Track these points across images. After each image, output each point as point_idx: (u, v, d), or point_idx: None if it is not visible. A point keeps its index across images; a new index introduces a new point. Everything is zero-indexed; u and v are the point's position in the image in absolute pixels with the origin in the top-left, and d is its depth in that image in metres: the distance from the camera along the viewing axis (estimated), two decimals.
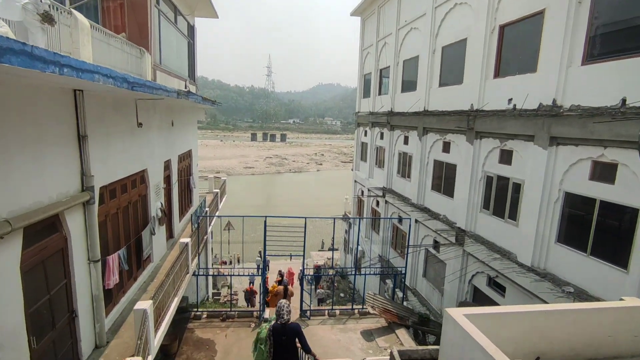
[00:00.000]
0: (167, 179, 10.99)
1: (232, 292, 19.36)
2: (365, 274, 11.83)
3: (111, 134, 6.60)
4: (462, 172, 11.65)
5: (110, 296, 6.75)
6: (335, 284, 20.80)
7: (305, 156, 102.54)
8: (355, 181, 22.96)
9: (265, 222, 10.11)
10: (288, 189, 59.68)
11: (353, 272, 12.23)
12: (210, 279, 18.48)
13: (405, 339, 9.48)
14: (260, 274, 10.72)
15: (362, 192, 21.58)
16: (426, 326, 10.65)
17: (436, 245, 13.40)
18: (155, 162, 9.36)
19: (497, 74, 10.21)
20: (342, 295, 19.56)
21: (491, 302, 10.18)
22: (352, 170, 24.65)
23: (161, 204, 9.60)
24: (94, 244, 5.74)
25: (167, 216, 10.83)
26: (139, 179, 8.38)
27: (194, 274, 10.24)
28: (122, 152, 7.15)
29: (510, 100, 9.47)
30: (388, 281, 16.17)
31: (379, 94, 19.38)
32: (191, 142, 14.11)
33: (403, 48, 16.34)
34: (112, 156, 6.67)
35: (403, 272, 11.62)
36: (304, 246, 10.26)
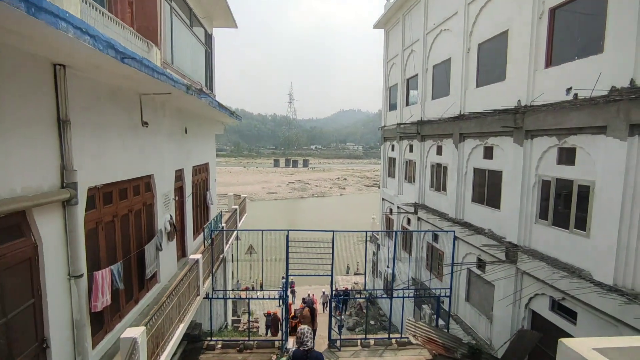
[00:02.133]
0: (180, 191, 10.06)
1: (252, 319, 17.96)
2: (402, 297, 10.25)
3: (106, 126, 5.69)
4: (509, 179, 10.16)
5: (101, 321, 5.63)
6: (364, 310, 19.05)
7: (328, 180, 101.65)
8: (382, 199, 21.54)
9: (287, 236, 8.90)
10: (311, 213, 58.39)
11: (386, 296, 10.69)
12: (229, 304, 17.20)
13: None
14: (282, 297, 9.40)
15: (391, 210, 20.11)
16: (477, 359, 8.94)
17: (481, 264, 11.75)
18: (165, 169, 8.44)
19: (549, 62, 8.89)
20: (372, 322, 17.78)
21: (558, 331, 8.43)
22: (379, 187, 23.27)
23: (171, 216, 8.60)
24: (76, 256, 4.68)
25: (178, 232, 9.81)
26: (144, 185, 7.43)
27: (207, 297, 9.05)
28: (121, 150, 6.23)
29: (569, 89, 8.10)
30: (425, 307, 14.42)
31: (407, 104, 18.27)
32: (208, 155, 13.29)
33: (432, 53, 15.29)
34: (108, 153, 5.74)
35: (447, 294, 10.01)
36: (332, 264, 8.93)
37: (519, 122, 9.65)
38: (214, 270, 9.34)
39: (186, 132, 10.23)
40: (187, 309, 6.98)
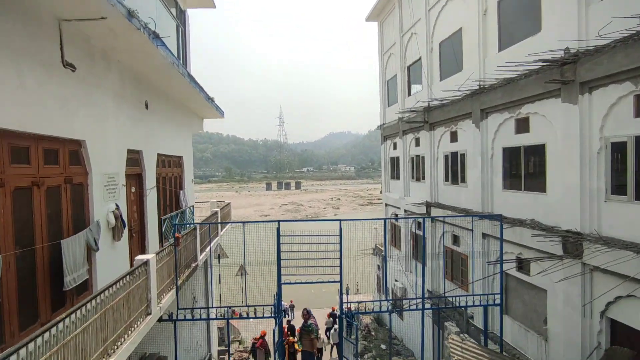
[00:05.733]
0: (137, 180, 7.71)
1: (242, 348, 15.18)
2: (424, 308, 7.81)
3: None
4: (560, 151, 8.02)
5: None
6: (373, 333, 16.37)
7: (322, 201, 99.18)
8: (386, 204, 19.25)
9: (278, 228, 6.57)
10: (304, 239, 55.62)
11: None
12: (214, 331, 14.44)
13: None
14: (275, 316, 6.89)
15: (397, 215, 17.79)
16: None
17: (521, 264, 9.42)
18: (107, 141, 6.15)
19: None
20: (383, 347, 15.09)
21: None
22: (380, 192, 21.06)
23: (118, 207, 6.20)
24: None
25: (135, 233, 7.38)
26: (68, 153, 5.13)
27: (169, 319, 6.53)
28: (19, 90, 3.97)
29: None
30: (448, 324, 11.88)
31: (409, 94, 16.35)
32: (182, 148, 11.01)
33: (437, 29, 13.49)
34: None
35: (496, 301, 7.62)
36: (341, 265, 6.55)
37: (568, 74, 7.60)
38: (179, 282, 6.85)
39: (147, 107, 7.97)
40: (122, 335, 4.49)
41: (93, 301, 3.80)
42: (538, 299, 8.89)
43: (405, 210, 16.34)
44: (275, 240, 6.98)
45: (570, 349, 7.72)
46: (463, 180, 12.10)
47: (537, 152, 8.83)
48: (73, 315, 3.44)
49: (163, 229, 7.72)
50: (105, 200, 5.98)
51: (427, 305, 9.67)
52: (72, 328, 3.40)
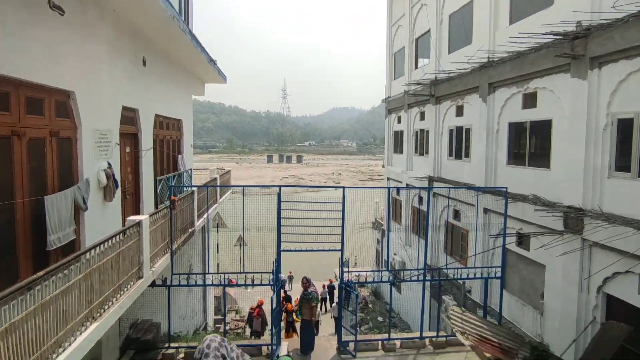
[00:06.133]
0: (133, 140, 7.53)
1: (239, 318, 15.44)
2: (439, 280, 7.79)
3: None
4: (566, 127, 7.81)
5: None
6: (370, 306, 16.61)
7: (323, 175, 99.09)
8: (387, 178, 19.09)
9: (279, 193, 6.46)
10: (304, 214, 55.89)
11: (419, 278, 8.20)
12: (211, 300, 14.63)
13: None
14: (272, 284, 6.86)
15: (398, 190, 17.65)
16: None
17: (521, 240, 9.35)
18: (100, 95, 5.93)
19: None
20: (380, 319, 15.34)
21: None
22: (382, 167, 20.88)
23: (110, 166, 6.04)
24: None
25: (130, 195, 7.27)
26: (54, 104, 4.91)
27: (163, 284, 6.50)
28: None
29: None
30: (446, 298, 11.95)
31: (416, 67, 15.84)
32: (181, 111, 10.76)
33: (448, 0, 12.89)
34: None
35: (497, 275, 7.58)
36: (342, 234, 6.46)
37: (579, 49, 7.27)
38: (174, 246, 6.79)
39: (144, 64, 7.67)
40: (110, 298, 4.41)
41: (78, 261, 3.68)
42: (536, 274, 8.88)
43: (407, 185, 16.18)
44: (276, 209, 6.85)
45: (565, 323, 7.76)
46: (467, 155, 11.89)
47: (543, 128, 8.59)
48: (56, 276, 3.31)
49: (158, 190, 7.59)
50: (97, 158, 5.81)
51: (428, 278, 9.69)
52: (52, 288, 3.27)
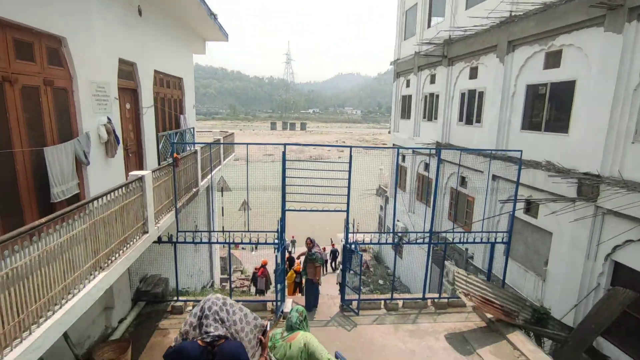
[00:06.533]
0: (132, 96, 7.23)
1: (244, 277, 15.70)
2: (445, 243, 7.71)
3: None
4: (590, 88, 7.38)
5: None
6: (371, 269, 16.82)
7: (327, 142, 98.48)
8: (393, 145, 18.75)
9: (284, 151, 6.24)
10: (309, 173, 55.87)
11: (425, 241, 8.09)
12: (217, 260, 14.83)
13: (530, 352, 5.42)
14: (277, 243, 6.77)
15: (404, 157, 17.38)
16: (542, 326, 6.53)
17: (529, 207, 9.20)
18: (94, 45, 5.56)
19: None
20: (380, 282, 15.57)
21: None
22: (389, 132, 20.51)
23: (110, 120, 5.79)
24: None
25: (132, 154, 7.08)
26: (45, 50, 4.57)
27: (169, 241, 6.45)
28: None
29: None
30: (448, 264, 12.00)
31: (428, 26, 15.05)
32: (182, 69, 10.32)
33: None
34: None
35: (504, 240, 7.49)
36: (348, 194, 6.29)
37: None
38: (179, 203, 6.66)
39: (140, 13, 7.22)
40: (117, 250, 4.34)
41: (82, 211, 3.55)
42: (542, 242, 8.78)
43: (413, 151, 15.88)
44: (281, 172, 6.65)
45: (567, 289, 7.74)
46: (478, 120, 11.51)
47: (565, 90, 8.15)
48: (61, 224, 3.20)
49: (160, 147, 7.38)
50: (95, 111, 5.56)
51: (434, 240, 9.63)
52: (57, 236, 3.19)
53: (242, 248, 25.83)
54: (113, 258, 4.28)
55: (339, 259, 19.37)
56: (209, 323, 2.32)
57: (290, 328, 3.24)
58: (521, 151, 7.34)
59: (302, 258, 8.19)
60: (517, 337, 5.87)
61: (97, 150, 5.59)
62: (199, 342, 2.25)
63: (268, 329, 2.77)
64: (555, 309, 7.79)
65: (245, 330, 2.60)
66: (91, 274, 3.81)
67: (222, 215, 16.24)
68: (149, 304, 6.97)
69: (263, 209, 10.90)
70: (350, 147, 6.63)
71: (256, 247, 24.61)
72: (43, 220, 2.99)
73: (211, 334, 2.28)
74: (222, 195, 15.89)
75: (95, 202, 3.87)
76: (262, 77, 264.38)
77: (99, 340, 5.65)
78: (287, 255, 13.21)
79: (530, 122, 9.35)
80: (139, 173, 5.02)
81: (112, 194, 4.19)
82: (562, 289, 7.96)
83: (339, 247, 20.10)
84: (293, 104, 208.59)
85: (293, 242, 21.53)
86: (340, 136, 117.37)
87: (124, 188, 4.50)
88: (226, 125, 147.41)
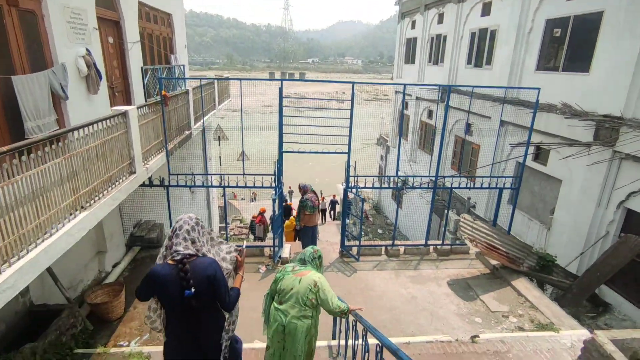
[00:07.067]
0: (115, 28, 6.54)
1: (242, 225, 15.71)
2: (450, 188, 7.37)
3: None
4: (620, 19, 6.68)
5: None
6: (371, 219, 16.83)
7: (326, 94, 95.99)
8: (396, 92, 17.98)
9: (280, 88, 5.73)
10: (309, 122, 55.04)
11: (430, 186, 7.79)
12: (215, 209, 14.71)
13: (535, 298, 5.31)
14: (274, 186, 6.46)
15: (407, 104, 16.69)
16: (547, 273, 6.43)
17: (538, 154, 8.83)
18: None
19: None
20: (380, 231, 15.61)
21: None
22: (391, 78, 19.63)
23: (89, 52, 5.20)
24: None
25: (119, 92, 6.54)
26: None
27: (161, 185, 6.12)
28: None
29: None
30: (451, 214, 11.86)
31: None
32: (171, 4, 9.41)
33: None
34: None
35: (514, 185, 7.20)
36: (350, 133, 5.89)
37: None
38: (169, 146, 6.25)
39: None
40: (100, 190, 4.00)
41: (53, 144, 3.16)
42: (549, 189, 8.51)
43: (417, 97, 15.20)
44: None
45: (573, 238, 7.58)
46: (488, 62, 10.79)
47: (589, 23, 7.42)
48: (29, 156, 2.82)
49: (145, 82, 6.81)
50: (72, 41, 4.96)
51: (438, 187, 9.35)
52: (24, 168, 2.82)
53: (242, 198, 25.87)
54: (97, 198, 3.95)
55: (338, 209, 19.38)
56: (178, 242, 2.26)
57: (303, 262, 3.17)
58: (539, 89, 6.80)
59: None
60: (522, 284, 5.76)
61: (77, 85, 5.07)
62: (169, 261, 2.22)
63: (244, 247, 2.73)
64: (559, 257, 7.67)
65: (220, 254, 2.50)
66: (71, 214, 3.50)
67: (220, 165, 15.94)
68: (144, 249, 6.81)
69: (261, 156, 10.53)
70: (353, 82, 6.12)
71: (255, 199, 24.66)
72: (4, 148, 2.60)
73: (180, 252, 2.21)
74: (219, 145, 15.46)
75: (70, 135, 3.46)
76: (259, 25, 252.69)
77: (93, 284, 5.52)
78: (284, 204, 13.06)
79: (547, 62, 8.70)
80: (123, 108, 4.55)
81: (91, 127, 3.76)
82: (567, 237, 7.79)
83: (339, 198, 20.04)
84: (292, 53, 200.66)
85: (290, 192, 21.49)
86: (340, 87, 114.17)
87: (105, 122, 4.06)
88: (223, 75, 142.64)
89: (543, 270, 6.38)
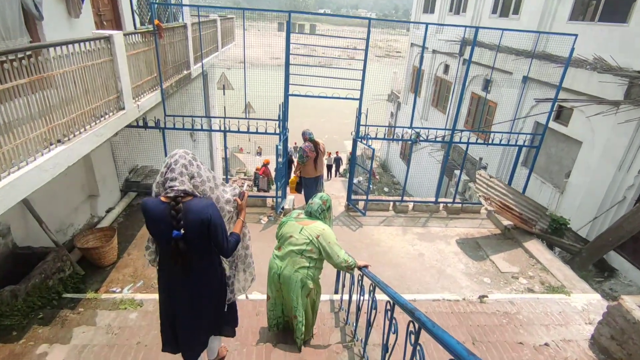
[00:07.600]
0: None
1: (246, 177, 15.46)
2: (467, 143, 6.87)
3: None
4: None
5: None
6: (377, 177, 16.52)
7: (336, 49, 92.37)
8: (412, 44, 16.93)
9: (288, 22, 5.18)
10: (318, 80, 53.29)
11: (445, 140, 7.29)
12: (218, 160, 14.41)
13: (547, 260, 5.05)
14: (279, 133, 6.06)
15: (421, 59, 15.69)
16: (559, 236, 6.14)
17: (559, 114, 8.26)
18: None
19: None
20: (386, 190, 15.34)
21: None
22: (407, 30, 18.48)
23: None
24: None
25: (103, 19, 5.95)
26: None
27: (156, 127, 5.72)
28: None
29: None
30: (458, 173, 11.48)
31: None
32: None
33: None
34: None
35: (534, 143, 6.73)
36: (363, 75, 5.39)
37: None
38: (165, 84, 5.78)
39: None
40: (81, 124, 3.62)
41: (17, 62, 2.72)
42: (567, 151, 8.05)
43: (433, 50, 14.27)
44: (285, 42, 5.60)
45: (587, 202, 7.23)
46: (516, 11, 9.90)
47: None
48: None
49: (132, 7, 6.18)
50: None
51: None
52: None
53: (247, 152, 25.49)
54: (77, 132, 3.59)
55: (343, 167, 19.02)
56: (174, 177, 1.91)
57: (310, 215, 2.88)
58: (576, 35, 6.09)
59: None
60: (534, 246, 5.50)
61: (55, 5, 4.54)
62: (162, 198, 1.93)
63: (245, 189, 2.41)
64: (571, 222, 7.39)
65: (217, 194, 2.15)
66: (46, 148, 3.15)
67: (225, 113, 15.41)
68: (140, 195, 6.58)
69: (268, 108, 10.04)
70: (370, 19, 5.51)
71: (260, 153, 24.26)
72: None
73: (175, 187, 1.89)
74: (223, 94, 14.84)
75: (45, 52, 3.02)
76: None
77: (84, 229, 5.32)
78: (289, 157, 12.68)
79: (583, 11, 7.88)
80: (106, 32, 4.06)
81: (64, 47, 3.31)
82: (581, 201, 7.44)
83: (343, 155, 19.59)
84: (302, 2, 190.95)
85: (296, 148, 21.09)
86: (351, 41, 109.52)
87: (84, 44, 3.60)
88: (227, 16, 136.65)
89: (555, 233, 6.10)
